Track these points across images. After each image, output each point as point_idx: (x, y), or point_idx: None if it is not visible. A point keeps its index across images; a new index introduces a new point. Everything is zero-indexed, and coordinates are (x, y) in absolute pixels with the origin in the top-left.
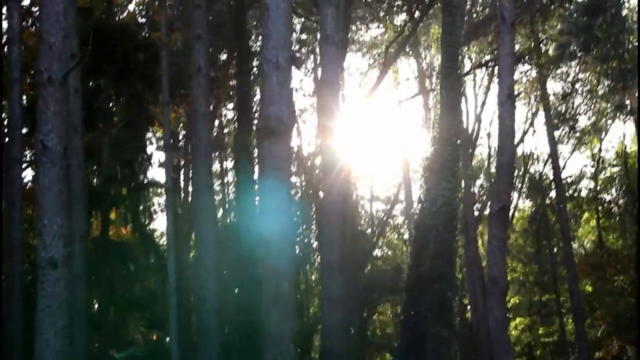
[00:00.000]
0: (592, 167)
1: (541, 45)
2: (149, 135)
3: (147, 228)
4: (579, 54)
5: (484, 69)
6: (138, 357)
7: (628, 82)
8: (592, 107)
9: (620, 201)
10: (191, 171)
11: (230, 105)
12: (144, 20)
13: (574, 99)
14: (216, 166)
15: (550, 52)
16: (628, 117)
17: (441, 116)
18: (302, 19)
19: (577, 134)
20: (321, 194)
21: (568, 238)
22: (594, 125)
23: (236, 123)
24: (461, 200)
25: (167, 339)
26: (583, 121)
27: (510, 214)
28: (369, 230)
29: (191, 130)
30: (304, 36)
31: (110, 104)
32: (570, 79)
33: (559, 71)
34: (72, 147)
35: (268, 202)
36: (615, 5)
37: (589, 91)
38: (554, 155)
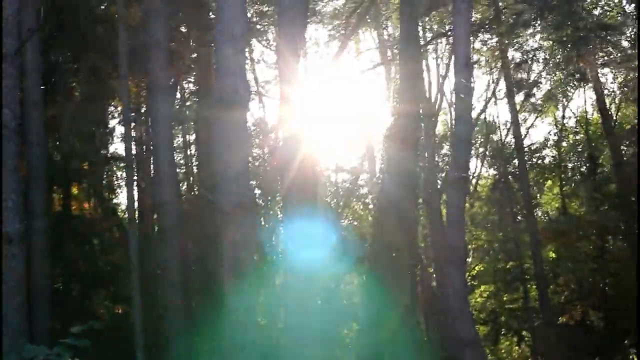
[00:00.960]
0: (555, 135)
1: (501, 14)
2: (112, 109)
3: (111, 202)
4: (532, 22)
5: (445, 39)
6: (98, 331)
7: (582, 49)
8: (551, 75)
9: (583, 168)
10: (152, 145)
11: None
12: None
13: (532, 67)
14: (179, 140)
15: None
16: (585, 84)
17: (401, 87)
18: None
19: (538, 102)
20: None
21: (530, 205)
22: (549, 93)
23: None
24: (424, 170)
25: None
26: (545, 90)
27: (474, 182)
28: (335, 200)
29: (151, 103)
30: (265, 8)
31: (70, 79)
32: (528, 47)
33: (519, 40)
34: (32, 122)
35: (227, 173)
36: None
37: (545, 59)
38: (515, 123)
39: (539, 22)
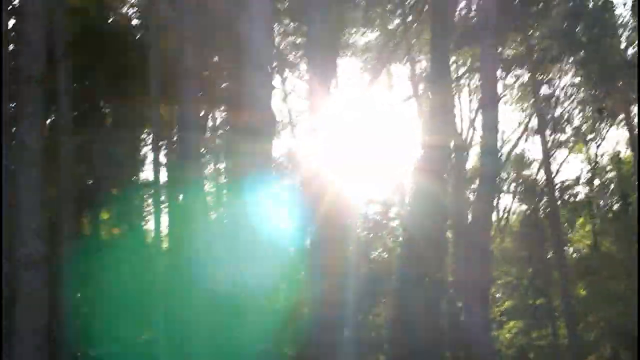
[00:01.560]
0: (588, 172)
1: (533, 51)
2: (145, 136)
3: (142, 228)
4: (560, 58)
5: (477, 74)
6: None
7: (609, 86)
8: (581, 112)
9: (615, 206)
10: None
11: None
12: (136, 22)
13: (564, 103)
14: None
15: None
16: (612, 121)
17: (430, 120)
18: (293, 23)
19: (569, 139)
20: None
21: (560, 241)
22: (577, 130)
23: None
24: (454, 204)
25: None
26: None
27: (505, 218)
28: (365, 232)
29: (180, 131)
30: (297, 40)
31: (101, 105)
32: (559, 83)
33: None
34: (62, 147)
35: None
36: (597, 10)
37: (571, 95)
38: (545, 159)
39: (567, 58)
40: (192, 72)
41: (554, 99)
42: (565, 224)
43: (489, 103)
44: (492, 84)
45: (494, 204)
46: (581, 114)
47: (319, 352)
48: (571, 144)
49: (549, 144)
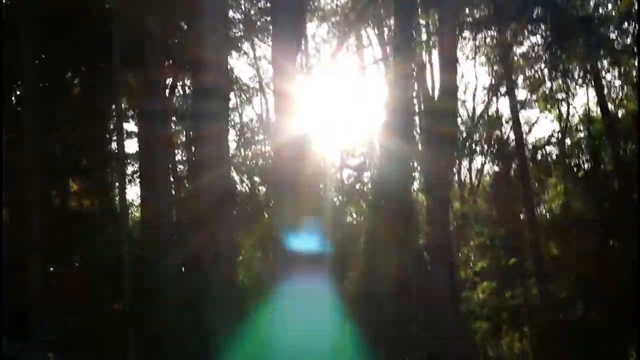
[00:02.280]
0: (558, 132)
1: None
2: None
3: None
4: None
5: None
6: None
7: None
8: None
9: (586, 166)
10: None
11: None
12: None
13: (533, 64)
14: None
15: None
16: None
17: (394, 83)
18: None
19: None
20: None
21: (531, 202)
22: (549, 90)
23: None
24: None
25: None
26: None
27: (477, 179)
28: (339, 197)
29: (146, 99)
30: (266, 4)
31: (68, 75)
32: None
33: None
34: (26, 117)
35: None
36: None
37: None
38: (515, 120)
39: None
40: (156, 38)
41: (520, 58)
42: (537, 185)
43: (447, 64)
44: (451, 46)
45: (456, 165)
46: (551, 74)
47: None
48: (539, 104)
49: (518, 105)
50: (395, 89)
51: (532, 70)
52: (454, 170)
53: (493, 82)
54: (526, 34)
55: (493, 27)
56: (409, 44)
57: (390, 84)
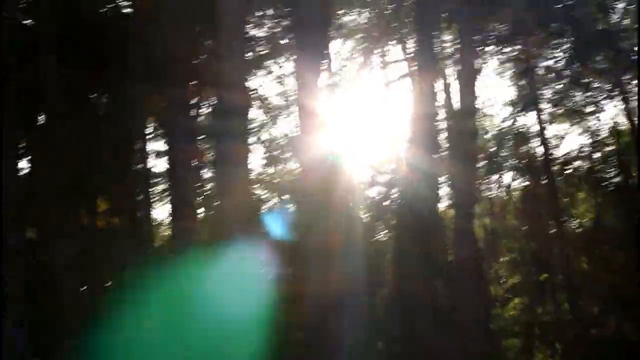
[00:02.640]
0: (588, 146)
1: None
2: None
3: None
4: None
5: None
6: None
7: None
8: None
9: (615, 179)
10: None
11: None
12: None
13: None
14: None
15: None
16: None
17: (418, 99)
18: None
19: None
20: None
21: (559, 216)
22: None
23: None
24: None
25: None
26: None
27: (506, 194)
28: (369, 214)
29: (170, 119)
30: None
31: (93, 95)
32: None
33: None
34: (49, 138)
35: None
36: None
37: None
38: (541, 134)
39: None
40: (179, 57)
41: (545, 72)
42: (567, 199)
43: (466, 80)
44: (470, 62)
45: (484, 180)
46: (575, 88)
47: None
48: (562, 118)
49: (542, 119)
50: (419, 104)
51: (558, 84)
52: (484, 185)
53: (519, 96)
54: (547, 48)
55: (513, 42)
56: (431, 59)
57: (415, 100)
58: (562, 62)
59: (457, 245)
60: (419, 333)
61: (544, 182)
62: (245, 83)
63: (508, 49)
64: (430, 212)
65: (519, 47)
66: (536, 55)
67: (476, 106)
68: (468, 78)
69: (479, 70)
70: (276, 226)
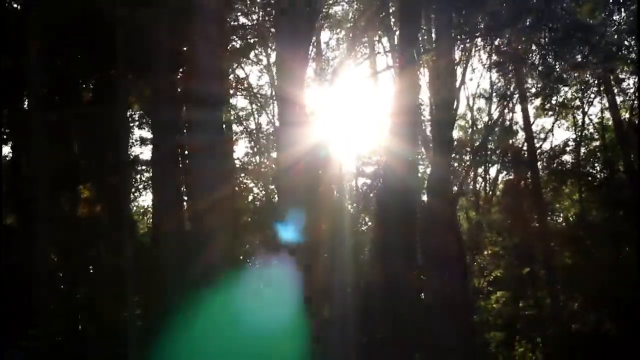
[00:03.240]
0: (574, 140)
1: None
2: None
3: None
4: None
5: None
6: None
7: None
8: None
9: (600, 175)
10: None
11: None
12: None
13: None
14: None
15: None
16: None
17: (399, 91)
18: None
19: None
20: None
21: (542, 210)
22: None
23: None
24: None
25: None
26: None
27: (491, 188)
28: (355, 205)
29: (154, 107)
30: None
31: (79, 82)
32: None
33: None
34: (34, 124)
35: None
36: None
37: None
38: (526, 127)
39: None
40: (163, 46)
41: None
42: (550, 193)
43: (444, 72)
44: (447, 54)
45: (449, 172)
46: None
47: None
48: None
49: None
50: (400, 96)
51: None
52: (469, 178)
53: (507, 89)
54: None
55: (489, 35)
56: (412, 51)
57: (396, 91)
58: (538, 57)
59: (440, 236)
60: (399, 318)
61: (528, 176)
62: (222, 70)
63: (490, 41)
64: (407, 200)
65: (499, 39)
66: (516, 48)
67: (452, 98)
68: (446, 69)
69: (457, 62)
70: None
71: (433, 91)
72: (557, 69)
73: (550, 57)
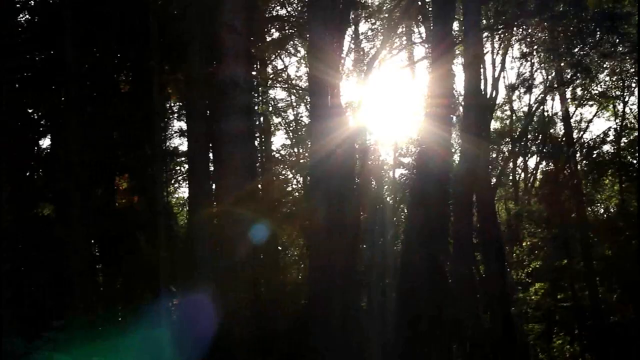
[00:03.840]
0: (615, 130)
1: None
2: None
3: (165, 197)
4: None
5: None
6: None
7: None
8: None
9: None
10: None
11: None
12: None
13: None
14: None
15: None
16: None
17: (432, 79)
18: None
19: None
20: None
21: (581, 201)
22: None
23: None
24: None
25: None
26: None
27: (530, 179)
28: (392, 196)
29: (188, 97)
30: None
31: (115, 74)
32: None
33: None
34: (71, 116)
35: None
36: None
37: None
38: (565, 118)
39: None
40: (197, 36)
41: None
42: (590, 184)
43: (472, 62)
44: (476, 43)
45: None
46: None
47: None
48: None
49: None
50: (434, 85)
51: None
52: (508, 169)
53: (547, 79)
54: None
55: (516, 24)
56: (446, 40)
57: (430, 81)
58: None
59: (462, 220)
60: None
61: (567, 166)
62: (250, 58)
63: (517, 31)
64: (440, 189)
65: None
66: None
67: (479, 87)
68: (474, 58)
69: (487, 52)
70: None
71: (465, 79)
72: (586, 59)
73: (578, 46)
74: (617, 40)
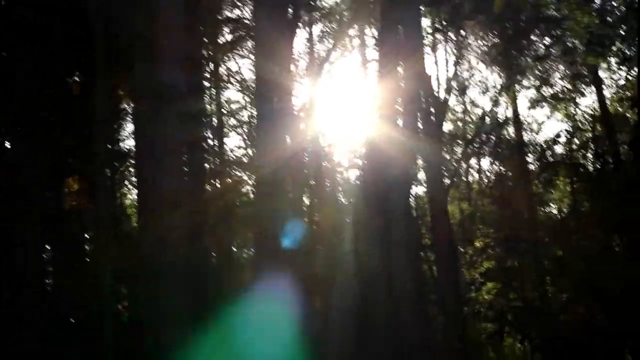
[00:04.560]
0: (567, 132)
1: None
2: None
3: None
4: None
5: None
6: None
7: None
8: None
9: (591, 166)
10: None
11: None
12: None
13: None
14: None
15: None
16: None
17: (380, 82)
18: None
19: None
20: None
21: (531, 202)
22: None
23: None
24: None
25: None
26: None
27: (486, 179)
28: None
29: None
30: None
31: (65, 76)
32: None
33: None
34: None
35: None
36: None
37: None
38: (515, 119)
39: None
40: (138, 37)
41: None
42: (541, 185)
43: (413, 66)
44: (416, 48)
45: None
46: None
47: None
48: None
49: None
50: (383, 87)
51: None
52: (461, 170)
53: (500, 81)
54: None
55: (454, 27)
56: (394, 42)
57: (378, 83)
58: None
59: (432, 225)
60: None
61: (519, 167)
62: (190, 59)
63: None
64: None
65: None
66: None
67: (417, 88)
68: (416, 61)
69: (423, 56)
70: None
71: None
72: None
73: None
74: (551, 42)
